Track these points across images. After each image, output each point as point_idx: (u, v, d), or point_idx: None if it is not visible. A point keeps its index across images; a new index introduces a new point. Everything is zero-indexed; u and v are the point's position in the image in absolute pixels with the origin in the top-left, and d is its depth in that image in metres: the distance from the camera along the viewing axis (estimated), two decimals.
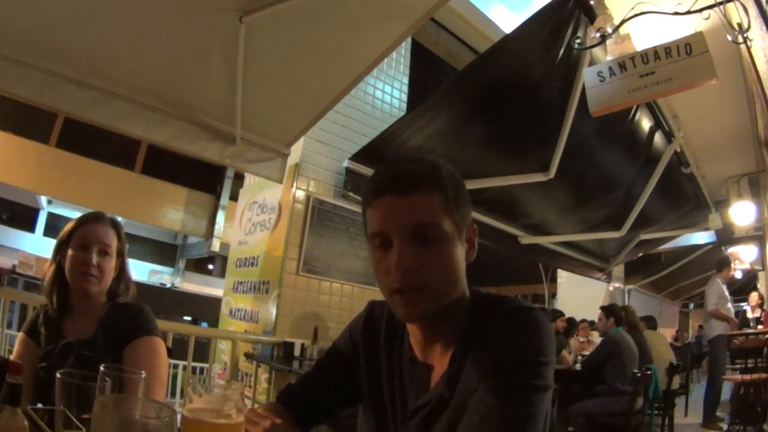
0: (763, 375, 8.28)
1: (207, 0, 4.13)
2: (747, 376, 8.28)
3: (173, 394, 9.51)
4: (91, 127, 4.98)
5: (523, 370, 1.44)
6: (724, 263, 10.50)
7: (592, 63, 5.83)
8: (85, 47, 4.31)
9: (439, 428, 1.58)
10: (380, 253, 1.55)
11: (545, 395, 1.44)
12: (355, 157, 7.21)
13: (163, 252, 27.92)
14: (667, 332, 15.53)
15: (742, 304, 14.30)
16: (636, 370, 6.95)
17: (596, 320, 8.85)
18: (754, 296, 13.06)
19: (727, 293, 10.20)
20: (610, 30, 5.18)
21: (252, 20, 4.17)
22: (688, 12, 4.68)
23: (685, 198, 10.06)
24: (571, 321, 11.79)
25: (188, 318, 23.21)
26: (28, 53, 4.15)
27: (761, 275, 13.66)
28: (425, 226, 1.49)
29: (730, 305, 10.13)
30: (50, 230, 22.77)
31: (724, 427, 9.18)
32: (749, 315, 12.73)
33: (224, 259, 16.57)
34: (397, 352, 1.79)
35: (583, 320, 11.86)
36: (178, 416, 1.21)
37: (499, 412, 1.37)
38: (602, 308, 8.34)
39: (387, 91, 8.38)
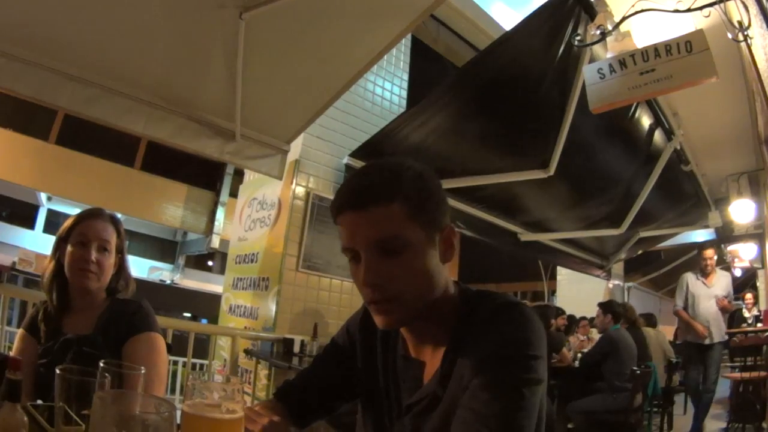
0: (763, 373, 8.30)
1: None
2: (746, 374, 8.30)
3: (173, 391, 9.51)
4: (91, 123, 4.98)
5: (513, 364, 1.45)
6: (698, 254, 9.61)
7: (592, 60, 5.82)
8: (84, 44, 4.31)
9: (432, 424, 1.60)
10: (353, 265, 1.58)
11: (537, 389, 1.45)
12: (355, 154, 7.21)
13: (163, 248, 27.94)
14: (666, 330, 15.56)
15: (738, 302, 14.36)
16: (635, 368, 6.96)
17: (595, 317, 8.86)
18: (749, 297, 13.10)
19: (702, 289, 9.03)
20: (610, 27, 5.18)
21: (252, 16, 4.17)
22: (689, 9, 4.68)
23: (685, 195, 10.06)
24: (571, 318, 11.81)
25: (188, 314, 23.20)
26: (28, 50, 4.16)
27: (761, 273, 13.71)
28: (387, 239, 1.50)
29: (707, 302, 8.87)
30: (50, 227, 22.77)
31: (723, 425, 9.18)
32: (746, 314, 12.74)
33: (224, 255, 16.59)
34: (391, 349, 1.80)
35: (583, 318, 11.87)
36: (178, 412, 1.21)
37: (491, 407, 1.38)
38: (600, 305, 8.35)
39: (387, 87, 8.38)
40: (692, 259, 15.41)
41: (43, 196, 22.57)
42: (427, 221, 1.56)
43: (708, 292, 8.95)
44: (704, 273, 9.09)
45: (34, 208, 23.46)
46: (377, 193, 1.51)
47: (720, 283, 9.06)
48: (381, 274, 1.50)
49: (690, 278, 9.17)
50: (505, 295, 1.66)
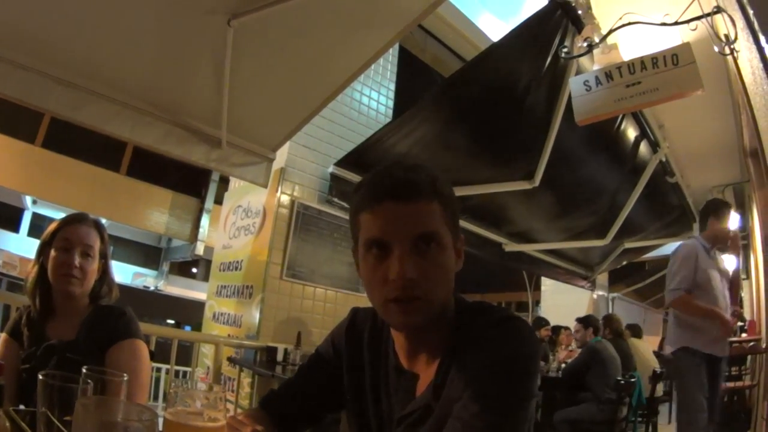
0: (747, 382, 8.33)
1: (196, 2, 4.12)
2: (731, 384, 8.32)
3: (156, 398, 9.49)
4: (78, 127, 4.94)
5: (507, 379, 1.44)
6: (710, 211, 6.14)
7: (578, 72, 5.85)
8: (72, 47, 4.29)
9: None
10: (376, 260, 1.54)
11: (529, 404, 1.45)
12: (341, 163, 7.21)
13: (147, 255, 27.93)
14: (650, 340, 15.60)
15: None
16: (619, 378, 6.98)
17: (576, 330, 8.86)
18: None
19: (715, 271, 5.91)
20: (597, 40, 5.21)
21: (240, 23, 4.16)
22: (676, 23, 4.72)
23: (670, 207, 10.12)
24: (556, 330, 11.80)
25: (171, 321, 23.18)
26: (15, 52, 4.13)
27: (745, 284, 13.75)
28: (428, 235, 1.50)
29: (722, 289, 5.86)
30: (35, 231, 22.72)
31: None
32: None
33: (208, 262, 16.57)
34: (382, 359, 1.79)
35: (566, 328, 11.84)
36: (160, 420, 1.20)
37: (481, 420, 1.37)
38: (579, 320, 8.39)
39: (373, 97, 8.38)
40: None
41: (28, 200, 22.53)
42: (453, 226, 1.59)
43: (720, 278, 5.98)
44: (726, 247, 6.53)
45: (19, 212, 23.41)
46: (423, 189, 1.52)
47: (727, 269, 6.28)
48: (417, 270, 1.47)
49: (699, 250, 5.85)
50: (503, 309, 1.66)
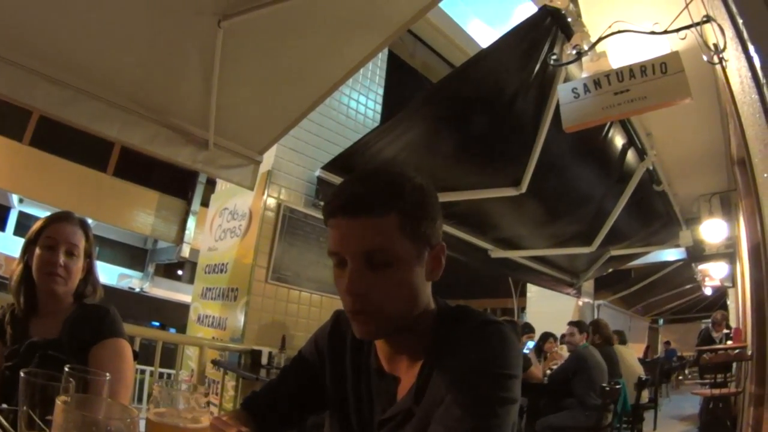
0: (732, 389, 8.37)
1: (186, 3, 4.11)
2: (716, 391, 8.36)
3: (139, 400, 9.45)
4: (66, 126, 4.92)
5: (489, 383, 1.44)
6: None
7: (567, 79, 5.85)
8: (62, 45, 4.28)
9: None
10: (338, 270, 1.55)
11: (511, 408, 1.44)
12: (328, 167, 7.21)
13: (133, 256, 27.80)
14: (635, 347, 15.61)
15: (707, 320, 14.50)
16: (604, 384, 6.99)
17: (563, 334, 8.85)
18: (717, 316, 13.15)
19: None
20: (586, 47, 5.21)
21: (230, 25, 4.16)
22: (665, 32, 4.72)
23: (657, 215, 10.13)
24: (544, 337, 11.78)
25: (156, 323, 23.08)
26: (3, 48, 4.12)
27: (731, 292, 13.85)
28: (376, 251, 1.48)
29: None
30: (21, 229, 22.56)
31: None
32: (713, 334, 12.84)
33: (194, 265, 16.53)
34: (363, 362, 1.78)
35: (552, 337, 11.79)
36: (143, 421, 1.20)
37: (464, 424, 1.37)
38: (573, 323, 8.35)
39: (362, 101, 8.40)
40: (662, 278, 15.57)
41: (14, 198, 22.40)
42: (419, 237, 1.54)
43: None
44: None
45: (5, 210, 23.26)
46: (373, 203, 1.49)
47: None
48: (365, 285, 1.48)
49: None
50: (484, 314, 1.66)
